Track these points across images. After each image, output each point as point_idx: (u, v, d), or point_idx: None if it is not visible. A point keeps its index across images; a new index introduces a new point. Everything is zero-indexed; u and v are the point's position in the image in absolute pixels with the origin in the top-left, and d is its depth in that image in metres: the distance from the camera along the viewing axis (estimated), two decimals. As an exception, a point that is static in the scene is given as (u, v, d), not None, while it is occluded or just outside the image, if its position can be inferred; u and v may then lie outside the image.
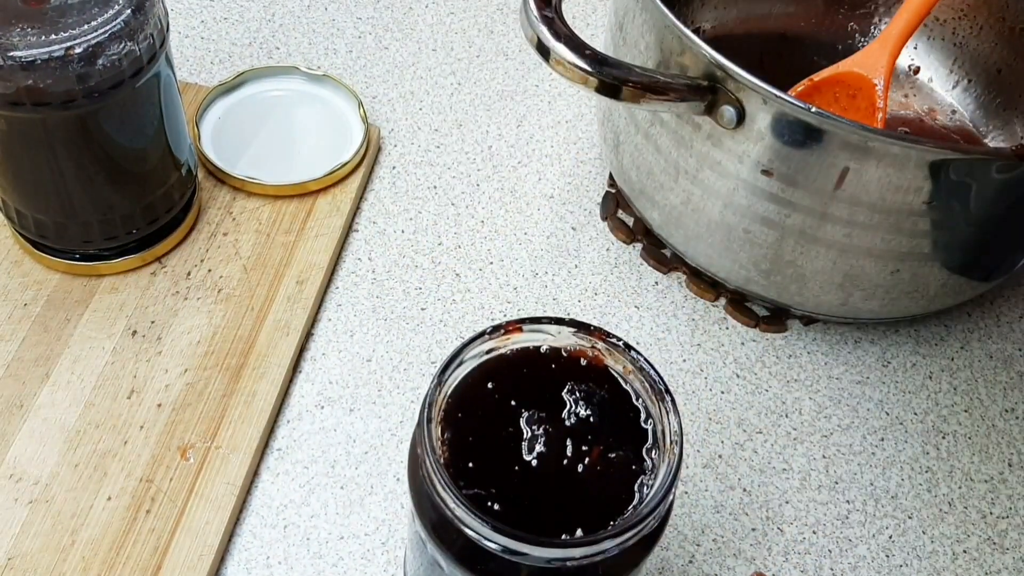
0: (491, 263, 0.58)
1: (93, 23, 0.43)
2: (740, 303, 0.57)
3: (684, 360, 0.54)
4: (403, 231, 0.59)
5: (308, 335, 0.53)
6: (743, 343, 0.56)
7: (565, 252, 0.59)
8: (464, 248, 0.58)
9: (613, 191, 0.61)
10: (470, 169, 0.62)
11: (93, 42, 0.43)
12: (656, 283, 0.58)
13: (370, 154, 0.60)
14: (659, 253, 0.58)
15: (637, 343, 0.55)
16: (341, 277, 0.56)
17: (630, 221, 0.60)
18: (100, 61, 0.44)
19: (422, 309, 0.55)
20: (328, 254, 0.55)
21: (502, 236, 0.59)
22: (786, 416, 0.53)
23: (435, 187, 0.61)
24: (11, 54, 0.42)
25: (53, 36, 0.43)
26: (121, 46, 0.44)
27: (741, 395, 0.53)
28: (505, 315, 0.55)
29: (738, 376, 0.54)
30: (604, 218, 0.60)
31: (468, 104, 0.66)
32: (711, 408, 0.53)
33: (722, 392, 0.53)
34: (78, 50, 0.43)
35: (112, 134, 0.47)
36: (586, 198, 0.61)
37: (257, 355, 0.50)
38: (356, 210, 0.59)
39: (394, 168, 0.62)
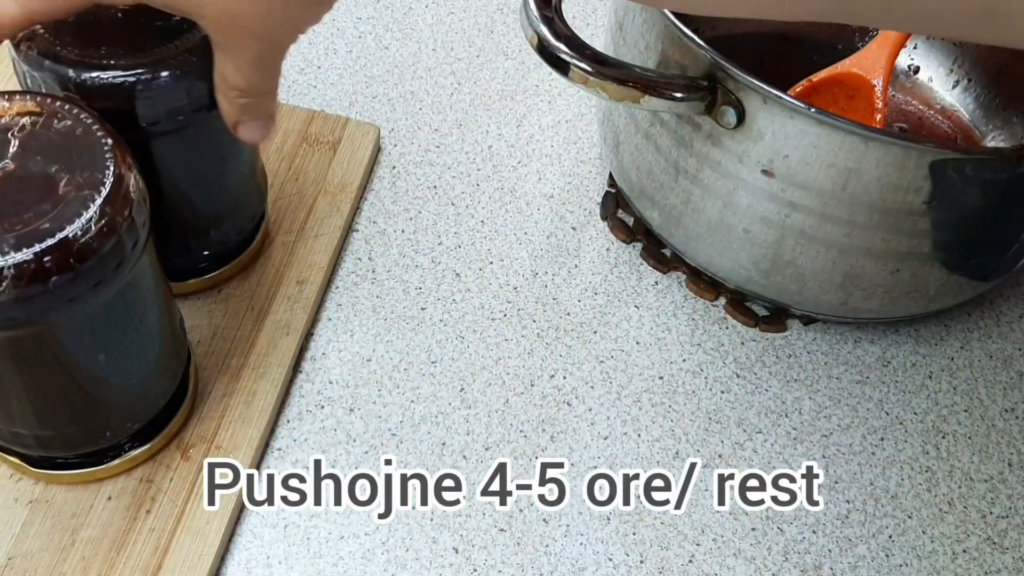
0: (491, 263, 0.58)
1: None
2: (740, 303, 0.57)
3: (684, 360, 0.54)
4: (403, 231, 0.59)
5: (308, 335, 0.53)
6: (743, 343, 0.56)
7: (565, 252, 0.59)
8: (464, 248, 0.58)
9: (613, 191, 0.61)
10: (470, 169, 0.62)
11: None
12: (656, 283, 0.58)
13: (371, 154, 0.60)
14: (659, 253, 0.58)
15: (637, 343, 0.55)
16: (341, 277, 0.56)
17: (630, 221, 0.60)
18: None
19: (422, 309, 0.55)
20: (328, 254, 0.55)
21: (502, 236, 0.59)
22: (786, 416, 0.53)
23: (435, 187, 0.61)
24: None
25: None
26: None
27: (741, 395, 0.53)
28: (505, 315, 0.55)
29: (738, 376, 0.54)
30: (604, 218, 0.60)
31: (468, 104, 0.66)
32: (711, 408, 0.53)
33: (722, 392, 0.53)
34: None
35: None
36: (586, 198, 0.61)
37: (257, 355, 0.50)
38: (356, 210, 0.59)
39: (394, 168, 0.62)
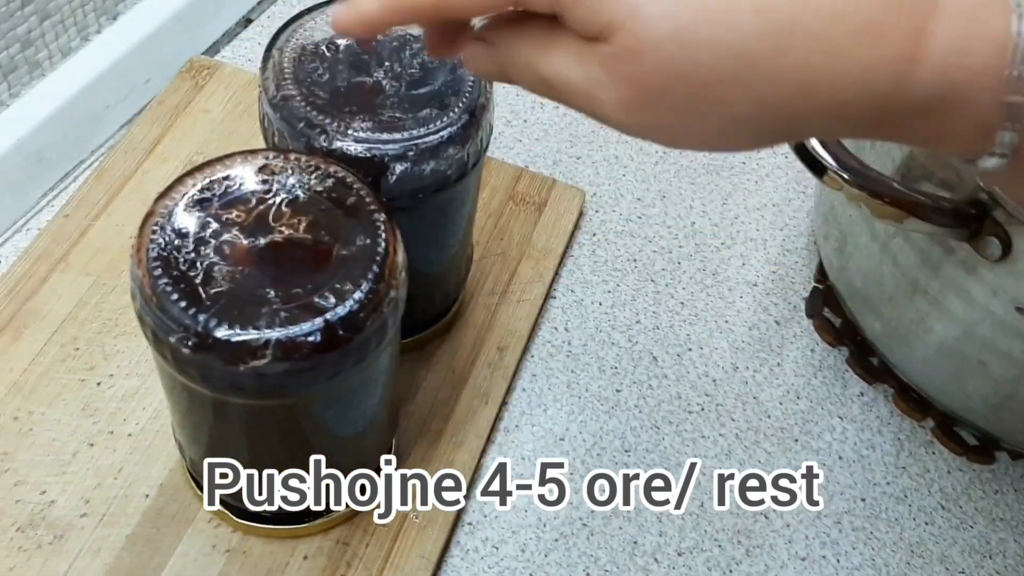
0: (690, 349, 0.56)
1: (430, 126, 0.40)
2: (948, 427, 0.54)
3: (888, 483, 0.52)
4: (600, 303, 0.57)
5: (502, 404, 0.52)
6: (949, 471, 0.53)
7: (767, 347, 0.56)
8: (662, 329, 0.56)
9: (821, 287, 0.58)
10: (671, 244, 0.60)
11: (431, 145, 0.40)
12: (861, 394, 0.55)
13: (575, 220, 0.59)
14: (867, 361, 0.55)
15: (840, 457, 0.52)
16: (537, 346, 0.55)
17: (837, 322, 0.57)
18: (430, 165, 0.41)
19: (617, 391, 0.53)
20: (529, 322, 0.54)
21: (702, 321, 0.57)
22: (990, 557, 0.50)
23: (635, 260, 0.59)
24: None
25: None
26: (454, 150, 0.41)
27: (945, 528, 0.50)
28: (703, 408, 0.53)
29: (943, 507, 0.51)
30: (810, 315, 0.58)
31: (672, 175, 0.64)
32: (914, 539, 0.50)
33: (926, 523, 0.50)
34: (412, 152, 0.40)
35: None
36: (791, 291, 0.59)
37: (456, 422, 0.49)
38: (555, 276, 0.57)
39: (595, 235, 0.60)
